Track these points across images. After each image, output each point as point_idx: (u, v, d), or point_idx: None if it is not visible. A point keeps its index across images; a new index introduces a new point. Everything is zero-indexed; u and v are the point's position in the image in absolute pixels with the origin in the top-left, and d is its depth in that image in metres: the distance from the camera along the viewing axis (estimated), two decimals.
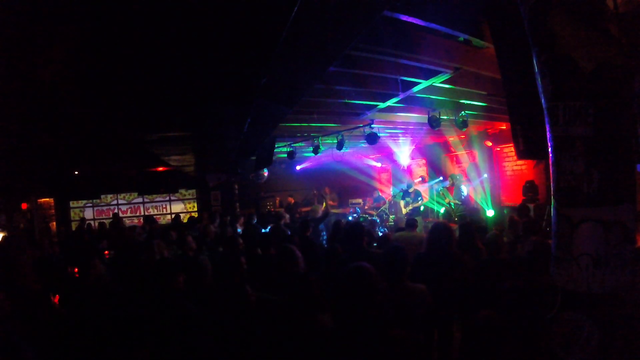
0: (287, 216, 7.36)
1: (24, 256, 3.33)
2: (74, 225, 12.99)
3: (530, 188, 7.92)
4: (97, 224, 11.61)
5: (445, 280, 3.09)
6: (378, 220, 9.08)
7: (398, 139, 10.19)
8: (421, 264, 3.29)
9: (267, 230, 6.19)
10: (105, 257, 5.55)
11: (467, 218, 7.54)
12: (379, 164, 14.11)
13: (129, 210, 14.31)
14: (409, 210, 9.18)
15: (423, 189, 10.03)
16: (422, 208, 9.60)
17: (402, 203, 9.56)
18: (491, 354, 1.92)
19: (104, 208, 14.09)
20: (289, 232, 5.66)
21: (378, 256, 3.02)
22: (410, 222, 5.22)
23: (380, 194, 12.43)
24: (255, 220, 7.84)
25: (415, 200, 9.21)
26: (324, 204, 12.34)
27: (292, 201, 13.36)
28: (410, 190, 9.47)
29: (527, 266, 2.68)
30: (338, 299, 1.91)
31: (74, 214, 13.82)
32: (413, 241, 4.47)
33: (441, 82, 4.99)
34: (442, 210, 9.46)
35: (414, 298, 2.61)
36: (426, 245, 3.44)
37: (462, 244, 3.87)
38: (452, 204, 8.84)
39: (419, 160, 12.32)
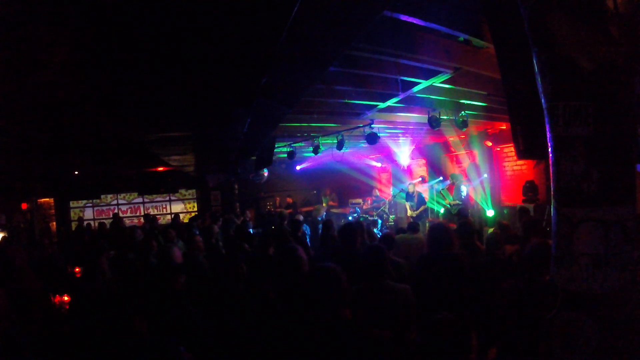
0: (301, 216, 7.27)
1: (23, 256, 3.33)
2: (74, 225, 13.00)
3: (530, 188, 7.92)
4: (97, 224, 11.62)
5: (449, 280, 3.07)
6: (380, 222, 9.07)
7: (398, 139, 10.19)
8: (424, 266, 3.29)
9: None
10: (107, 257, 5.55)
11: (461, 217, 7.54)
12: (379, 164, 14.11)
13: (129, 210, 14.32)
14: (415, 215, 9.14)
15: (423, 189, 10.03)
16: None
17: (407, 205, 9.55)
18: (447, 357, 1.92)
19: (104, 208, 14.10)
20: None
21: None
22: (413, 225, 5.21)
23: (379, 194, 12.44)
24: (248, 223, 7.84)
25: (419, 204, 9.20)
26: (324, 204, 12.38)
27: (291, 201, 13.39)
28: (412, 191, 9.44)
29: (526, 267, 2.69)
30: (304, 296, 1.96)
31: (74, 214, 13.83)
32: (414, 243, 4.47)
33: (441, 82, 4.99)
34: (442, 210, 9.47)
35: (394, 298, 2.58)
36: (427, 246, 3.43)
37: (461, 243, 3.86)
38: (452, 204, 8.86)
39: (419, 160, 12.32)
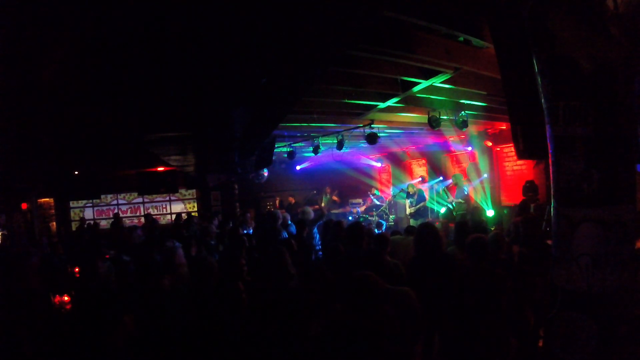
0: (288, 216, 7.25)
1: (26, 257, 3.34)
2: (74, 225, 12.99)
3: (530, 188, 7.91)
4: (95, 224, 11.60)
5: (440, 282, 3.02)
6: (385, 224, 9.03)
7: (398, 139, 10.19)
8: (414, 269, 3.24)
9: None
10: (105, 257, 5.55)
11: (467, 217, 7.52)
12: (379, 164, 14.11)
13: (129, 210, 14.30)
14: (413, 211, 9.13)
15: (423, 189, 10.02)
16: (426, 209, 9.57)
17: (407, 203, 9.54)
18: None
19: (104, 208, 14.07)
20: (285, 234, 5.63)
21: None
22: (410, 229, 5.19)
23: (378, 193, 12.44)
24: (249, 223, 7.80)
25: (419, 201, 9.17)
26: (323, 203, 12.36)
27: (293, 201, 13.36)
28: (412, 191, 9.41)
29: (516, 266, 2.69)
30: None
31: (74, 214, 13.81)
32: (403, 243, 4.41)
33: (441, 82, 4.99)
34: (442, 210, 9.46)
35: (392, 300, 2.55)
36: (414, 248, 3.34)
37: (459, 243, 3.85)
38: (454, 203, 8.85)
39: (419, 160, 12.32)
